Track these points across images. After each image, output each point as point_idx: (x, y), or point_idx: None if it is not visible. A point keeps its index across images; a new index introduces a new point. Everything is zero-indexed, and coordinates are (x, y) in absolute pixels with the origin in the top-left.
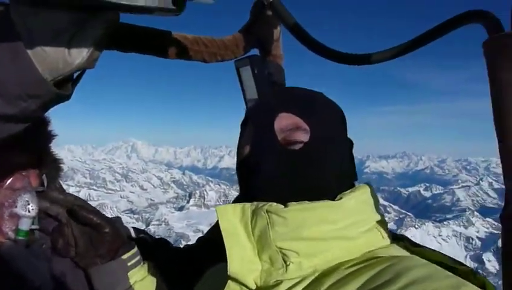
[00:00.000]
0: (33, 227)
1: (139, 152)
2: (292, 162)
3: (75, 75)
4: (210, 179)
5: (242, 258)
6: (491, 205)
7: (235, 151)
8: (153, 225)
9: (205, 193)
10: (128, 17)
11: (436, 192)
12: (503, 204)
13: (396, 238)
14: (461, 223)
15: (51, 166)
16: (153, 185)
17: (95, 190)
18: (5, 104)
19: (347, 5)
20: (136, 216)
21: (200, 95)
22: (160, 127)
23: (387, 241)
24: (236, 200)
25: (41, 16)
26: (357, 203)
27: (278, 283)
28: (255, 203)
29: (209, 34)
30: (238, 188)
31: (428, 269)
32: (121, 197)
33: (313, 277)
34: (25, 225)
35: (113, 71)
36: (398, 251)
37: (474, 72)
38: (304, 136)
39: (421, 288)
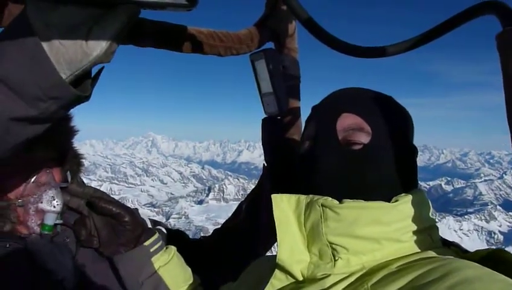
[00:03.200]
0: (57, 221)
1: (159, 147)
2: (350, 162)
3: (93, 73)
4: (229, 173)
5: (292, 248)
6: None
7: (254, 145)
8: (173, 218)
9: (224, 187)
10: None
11: (457, 186)
12: None
13: (447, 244)
14: (483, 217)
15: (72, 161)
16: (173, 179)
17: (116, 184)
18: (26, 105)
19: None
20: (156, 210)
21: (218, 89)
22: (179, 122)
23: (438, 245)
24: (252, 194)
25: (59, 11)
26: (410, 207)
27: (325, 277)
28: (311, 195)
29: (223, 29)
30: (257, 181)
31: (480, 271)
32: (141, 191)
33: (360, 273)
34: (50, 220)
35: (132, 66)
36: (447, 254)
37: (497, 64)
38: (364, 138)
39: (470, 288)
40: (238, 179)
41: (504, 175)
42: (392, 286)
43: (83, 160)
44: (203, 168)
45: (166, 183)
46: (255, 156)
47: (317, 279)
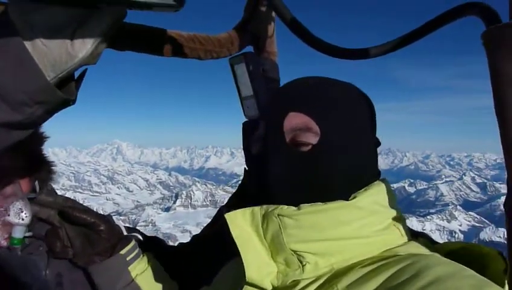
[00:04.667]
0: (27, 234)
1: (124, 154)
2: (298, 164)
3: (76, 76)
4: (197, 179)
5: (258, 265)
6: (474, 199)
7: (221, 151)
8: (140, 226)
9: (192, 193)
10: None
11: (420, 187)
12: (485, 198)
13: (415, 235)
14: (444, 217)
15: (42, 170)
16: (139, 187)
17: (80, 192)
18: (10, 110)
19: (341, 4)
20: (122, 218)
21: (185, 95)
22: (145, 129)
23: (406, 238)
24: (235, 197)
25: (42, 11)
26: (371, 202)
27: (296, 283)
28: (265, 206)
29: (201, 32)
30: (225, 187)
31: (450, 267)
32: (106, 199)
33: (329, 275)
34: (18, 233)
35: (96, 72)
36: (417, 248)
37: (457, 69)
38: (312, 138)
39: (442, 287)
40: (206, 185)
41: (463, 176)
42: (363, 288)
43: (53, 167)
44: (169, 174)
45: (132, 191)
46: (223, 161)
47: (288, 287)
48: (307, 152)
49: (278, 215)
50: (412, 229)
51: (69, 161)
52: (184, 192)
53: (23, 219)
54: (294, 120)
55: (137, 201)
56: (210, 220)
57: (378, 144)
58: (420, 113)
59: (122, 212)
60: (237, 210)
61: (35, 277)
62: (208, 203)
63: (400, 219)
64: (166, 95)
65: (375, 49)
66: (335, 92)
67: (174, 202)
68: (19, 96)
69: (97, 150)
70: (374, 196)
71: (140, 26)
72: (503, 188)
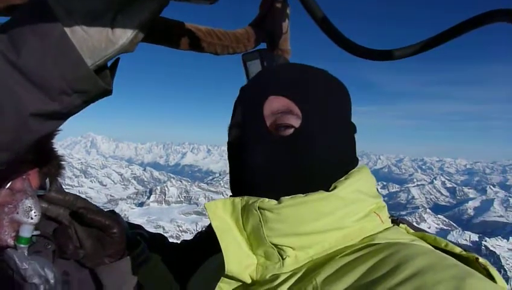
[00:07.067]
0: (35, 233)
1: (99, 147)
2: (280, 149)
3: (109, 65)
4: (172, 175)
5: (238, 257)
6: (443, 203)
7: (198, 148)
8: None
9: (166, 189)
10: None
11: (392, 190)
12: (454, 202)
13: (396, 222)
14: (414, 220)
15: (51, 164)
16: (113, 181)
17: None
18: (48, 99)
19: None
20: None
21: (163, 90)
22: (121, 123)
23: (386, 225)
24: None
25: None
26: (351, 191)
27: (275, 277)
28: (245, 198)
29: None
30: (200, 183)
31: (430, 258)
32: (79, 192)
33: (307, 267)
34: (26, 232)
35: None
36: (397, 235)
37: (431, 75)
38: (294, 121)
39: (423, 281)
40: (181, 182)
41: (434, 180)
42: (342, 282)
43: (64, 162)
44: (144, 170)
45: (105, 185)
46: (199, 158)
47: (267, 280)
48: (290, 136)
49: (259, 208)
50: (393, 216)
51: None
52: (158, 187)
53: (32, 218)
54: (275, 104)
55: (111, 195)
56: (183, 216)
57: (355, 129)
58: (395, 118)
59: None
60: (217, 200)
61: (43, 276)
62: (182, 199)
63: (380, 207)
64: (143, 89)
65: (399, 51)
66: (314, 76)
67: (148, 198)
68: (58, 84)
69: (70, 142)
70: (355, 184)
71: (160, 18)
72: (472, 193)
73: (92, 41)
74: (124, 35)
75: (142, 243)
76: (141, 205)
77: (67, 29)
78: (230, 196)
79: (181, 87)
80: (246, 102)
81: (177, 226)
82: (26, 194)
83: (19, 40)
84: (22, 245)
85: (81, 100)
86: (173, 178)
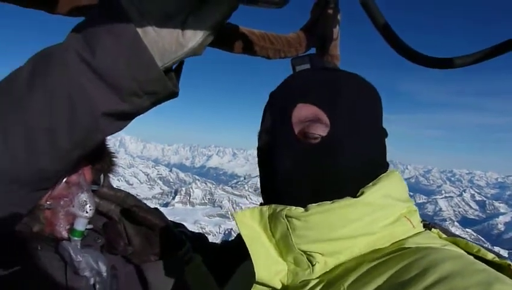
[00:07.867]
0: (88, 227)
1: (127, 147)
2: (308, 157)
3: (174, 67)
4: (197, 177)
5: (268, 264)
6: (472, 217)
7: (224, 151)
8: None
9: (191, 190)
10: None
11: (419, 201)
12: (483, 216)
13: (429, 227)
14: None
15: (104, 160)
16: (140, 181)
17: None
18: (120, 100)
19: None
20: None
21: (191, 93)
22: (149, 123)
23: (417, 229)
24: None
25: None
26: (379, 196)
27: (305, 283)
28: (273, 206)
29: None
30: (224, 186)
31: (457, 263)
32: None
33: (337, 273)
34: (80, 226)
35: None
36: (427, 239)
37: (464, 85)
38: (322, 130)
39: (450, 286)
40: (205, 184)
41: (463, 193)
42: (369, 286)
43: (115, 159)
44: (170, 171)
45: (132, 184)
46: (224, 161)
47: (298, 287)
48: (317, 144)
49: (286, 216)
50: (426, 221)
51: None
52: (183, 189)
53: (87, 212)
54: (304, 112)
55: (137, 195)
56: (207, 218)
57: (386, 134)
58: (424, 127)
59: None
60: (246, 209)
61: (95, 269)
62: (206, 201)
63: (411, 211)
64: None
65: (459, 59)
66: (344, 81)
67: (173, 198)
68: (130, 85)
69: None
70: (383, 189)
71: None
72: (502, 208)
73: (163, 43)
74: (194, 38)
75: (187, 243)
76: (166, 205)
77: (139, 30)
78: (261, 203)
79: (208, 91)
80: (275, 108)
81: (200, 228)
82: (82, 189)
83: (94, 40)
84: (76, 238)
85: (150, 102)
86: (198, 180)
